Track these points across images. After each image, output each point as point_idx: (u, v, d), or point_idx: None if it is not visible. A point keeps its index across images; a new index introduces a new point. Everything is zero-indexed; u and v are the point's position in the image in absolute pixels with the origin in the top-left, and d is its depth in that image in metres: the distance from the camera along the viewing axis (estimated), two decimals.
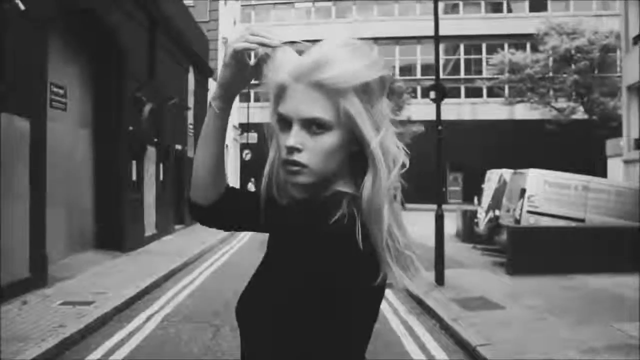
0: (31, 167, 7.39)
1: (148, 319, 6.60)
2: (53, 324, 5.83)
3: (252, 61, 1.23)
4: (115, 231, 10.95)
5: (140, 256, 10.85)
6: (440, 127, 8.42)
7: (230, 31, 26.26)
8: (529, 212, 10.38)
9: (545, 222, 10.31)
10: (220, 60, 24.70)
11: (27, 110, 7.43)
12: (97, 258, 10.05)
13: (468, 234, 14.56)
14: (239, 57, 1.24)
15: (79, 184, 10.36)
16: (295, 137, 1.15)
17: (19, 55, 7.24)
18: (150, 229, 13.01)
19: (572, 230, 10.00)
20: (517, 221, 10.46)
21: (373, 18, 33.91)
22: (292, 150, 1.15)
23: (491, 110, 33.22)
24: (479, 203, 15.09)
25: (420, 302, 7.56)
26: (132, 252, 11.11)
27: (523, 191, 10.55)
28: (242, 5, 30.68)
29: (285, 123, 1.17)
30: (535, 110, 26.65)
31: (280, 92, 1.18)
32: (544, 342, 5.54)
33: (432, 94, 8.19)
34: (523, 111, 29.59)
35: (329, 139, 1.15)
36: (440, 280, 8.51)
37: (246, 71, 1.27)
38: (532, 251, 9.39)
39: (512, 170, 12.85)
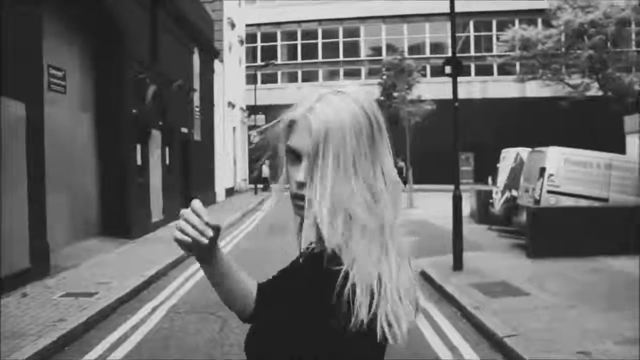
0: (29, 153, 7.03)
1: (153, 310, 6.27)
2: (53, 318, 5.51)
3: None
4: (120, 217, 10.62)
5: (147, 243, 10.53)
6: (457, 104, 7.95)
7: (235, 11, 25.68)
8: (550, 192, 9.91)
9: (567, 202, 9.85)
10: (225, 41, 24.34)
11: (22, 93, 7.05)
12: (102, 246, 9.75)
13: (483, 214, 14.15)
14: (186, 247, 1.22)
15: (81, 169, 10.02)
16: (304, 172, 1.16)
17: (12, 37, 6.85)
18: (157, 215, 12.69)
19: (595, 210, 9.53)
20: (537, 202, 10.00)
21: None
22: (301, 185, 1.17)
23: (502, 88, 32.56)
24: (494, 183, 14.64)
25: (439, 288, 7.20)
26: (138, 239, 10.79)
27: (543, 170, 10.06)
28: None
29: (294, 156, 1.19)
30: (547, 88, 25.97)
31: (291, 125, 1.20)
32: (575, 333, 5.15)
33: (448, 69, 7.71)
34: (535, 89, 28.91)
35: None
36: (458, 264, 8.12)
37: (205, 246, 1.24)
38: (554, 233, 8.95)
39: (529, 149, 12.36)
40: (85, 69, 10.32)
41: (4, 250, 6.34)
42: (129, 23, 11.10)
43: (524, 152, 12.62)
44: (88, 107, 10.46)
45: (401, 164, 21.15)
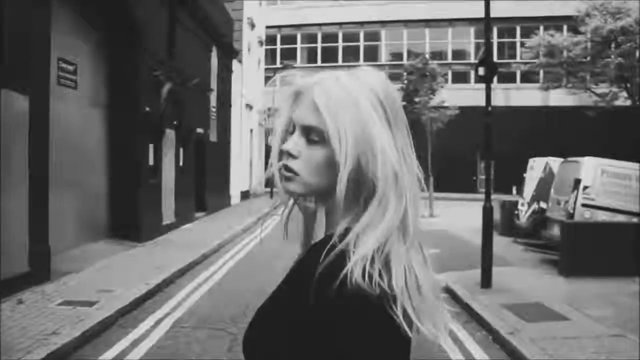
0: (31, 150, 6.56)
1: (157, 323, 5.74)
2: (45, 331, 5.01)
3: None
4: (130, 219, 10.13)
5: (156, 247, 10.03)
6: (489, 108, 7.35)
7: (255, 12, 25.25)
8: (584, 205, 9.22)
9: (603, 216, 9.16)
10: (244, 41, 23.89)
11: (26, 86, 6.59)
12: (110, 249, 9.26)
13: (507, 226, 13.45)
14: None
15: (91, 168, 9.56)
16: (293, 142, 1.15)
17: (18, 25, 6.41)
18: (168, 218, 12.20)
19: (635, 226, 8.83)
20: (571, 215, 9.32)
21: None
22: (288, 155, 1.15)
23: (525, 96, 31.73)
24: (519, 193, 13.95)
25: (466, 307, 6.60)
26: (148, 242, 10.27)
27: (577, 182, 9.38)
28: None
29: (293, 130, 1.18)
30: (572, 96, 25.12)
31: (296, 97, 1.19)
32: None
33: (481, 70, 7.11)
34: (559, 97, 28.05)
35: (319, 152, 1.12)
36: (487, 281, 7.49)
37: None
38: (590, 250, 8.26)
39: (559, 159, 11.68)
40: (98, 63, 9.87)
41: (1, 253, 5.87)
42: (146, 18, 10.64)
43: (554, 162, 11.94)
44: (100, 103, 10.00)
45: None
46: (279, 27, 32.66)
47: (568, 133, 27.52)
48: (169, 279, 7.55)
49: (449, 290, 7.38)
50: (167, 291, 7.15)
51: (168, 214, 12.24)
